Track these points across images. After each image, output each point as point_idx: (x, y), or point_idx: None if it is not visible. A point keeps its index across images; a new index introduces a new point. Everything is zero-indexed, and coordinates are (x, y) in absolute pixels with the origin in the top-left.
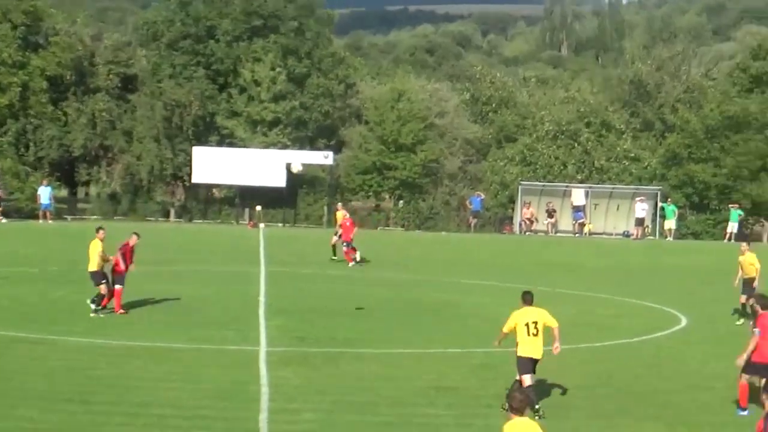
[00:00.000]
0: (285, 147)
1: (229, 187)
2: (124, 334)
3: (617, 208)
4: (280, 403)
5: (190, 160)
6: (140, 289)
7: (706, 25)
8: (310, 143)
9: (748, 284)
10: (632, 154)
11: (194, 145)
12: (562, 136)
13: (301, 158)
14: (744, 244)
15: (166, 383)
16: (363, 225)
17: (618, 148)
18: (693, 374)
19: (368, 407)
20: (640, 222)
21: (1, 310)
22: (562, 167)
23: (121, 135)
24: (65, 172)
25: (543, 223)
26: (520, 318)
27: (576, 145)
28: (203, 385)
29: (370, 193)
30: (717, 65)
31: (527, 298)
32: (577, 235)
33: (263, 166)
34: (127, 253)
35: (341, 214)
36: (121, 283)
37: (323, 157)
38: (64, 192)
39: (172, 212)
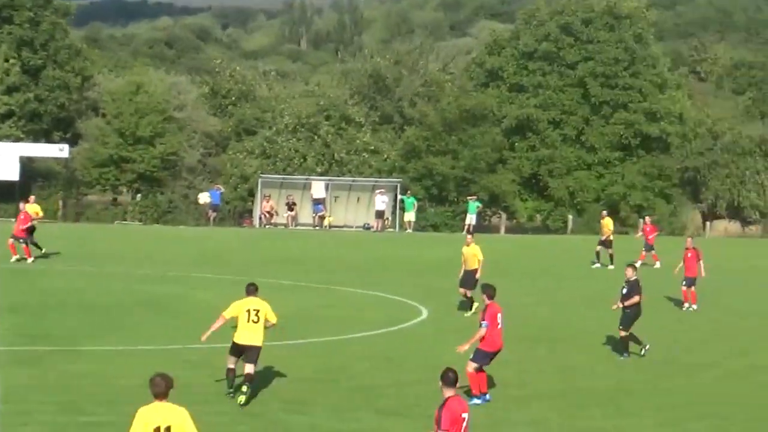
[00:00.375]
0: (18, 140)
1: None
2: None
3: (357, 201)
4: (12, 405)
5: None
6: None
7: (443, 20)
8: (46, 136)
9: (470, 276)
10: (372, 147)
11: None
12: (303, 129)
13: (35, 151)
14: (469, 236)
15: None
16: (100, 219)
17: (358, 141)
18: (432, 366)
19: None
20: (380, 214)
21: None
22: (302, 160)
23: None
24: None
25: (283, 216)
26: (242, 306)
27: (316, 138)
28: None
29: (107, 187)
30: (454, 60)
31: (251, 289)
32: (317, 227)
33: None
34: None
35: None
36: None
37: (58, 150)
38: None
39: None
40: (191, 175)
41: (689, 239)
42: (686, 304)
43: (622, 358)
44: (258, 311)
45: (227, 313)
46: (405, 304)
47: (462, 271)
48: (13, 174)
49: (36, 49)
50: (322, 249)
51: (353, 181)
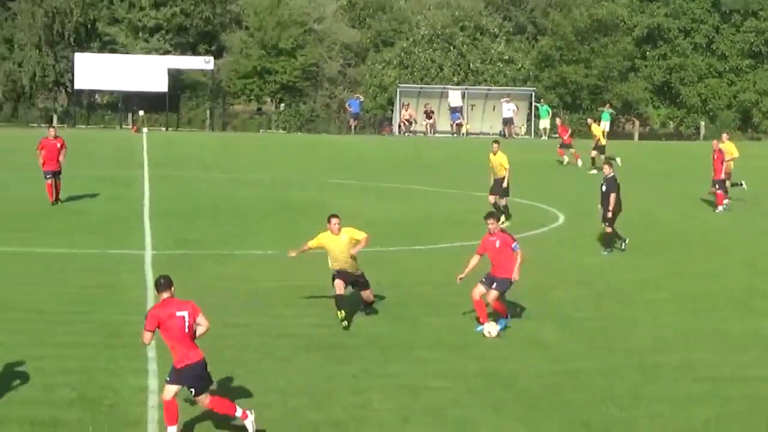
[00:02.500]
0: (167, 53)
1: (112, 92)
2: (5, 241)
3: (493, 109)
4: None
5: (72, 67)
6: (25, 194)
7: None
8: (192, 49)
9: (497, 184)
10: (506, 57)
11: (76, 51)
12: (438, 40)
13: (182, 63)
14: (495, 144)
15: (46, 287)
16: (246, 128)
17: (492, 51)
18: (571, 270)
19: (240, 308)
20: (507, 122)
21: None
22: (438, 70)
23: (2, 42)
24: None
25: (421, 124)
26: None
27: (452, 48)
28: (87, 290)
29: (252, 97)
30: None
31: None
32: (454, 135)
33: (145, 71)
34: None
35: None
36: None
37: (204, 62)
38: None
39: (55, 118)
40: (332, 85)
41: (714, 141)
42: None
43: (605, 253)
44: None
45: (312, 243)
46: (541, 209)
47: (491, 179)
48: (162, 85)
49: None
50: (459, 156)
51: (489, 90)
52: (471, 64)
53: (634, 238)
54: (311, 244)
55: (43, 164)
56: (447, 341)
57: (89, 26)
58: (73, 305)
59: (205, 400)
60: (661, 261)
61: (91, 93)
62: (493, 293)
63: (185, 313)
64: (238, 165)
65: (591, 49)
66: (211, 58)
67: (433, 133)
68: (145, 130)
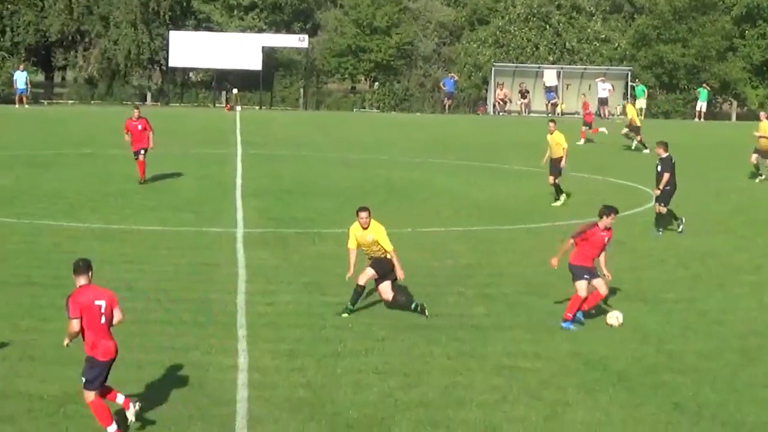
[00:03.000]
0: (261, 31)
1: (206, 70)
2: (93, 218)
3: (589, 88)
4: (258, 285)
5: (167, 45)
6: (116, 172)
7: None
8: (286, 27)
9: (555, 164)
10: (602, 36)
11: (171, 29)
12: (534, 19)
13: (276, 41)
14: (552, 123)
15: (137, 265)
16: (339, 107)
17: (588, 30)
18: (665, 249)
19: (340, 288)
20: (603, 102)
21: None
22: (534, 49)
23: (98, 20)
24: (42, 57)
25: (516, 104)
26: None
27: (547, 27)
28: (178, 267)
29: (346, 76)
30: None
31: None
32: (549, 114)
33: (239, 49)
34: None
35: None
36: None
37: (299, 41)
38: (40, 77)
39: (149, 96)
40: (426, 64)
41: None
42: None
43: (658, 234)
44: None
45: (350, 243)
46: (636, 189)
47: (545, 159)
48: (256, 64)
49: None
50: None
51: (584, 69)
52: (567, 43)
53: (733, 218)
54: (350, 245)
55: (132, 144)
56: (540, 322)
57: (184, 4)
58: (164, 283)
59: (89, 396)
60: (762, 243)
61: (185, 71)
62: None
63: (102, 303)
64: (332, 144)
65: (688, 28)
66: (306, 36)
67: (528, 113)
68: (238, 108)
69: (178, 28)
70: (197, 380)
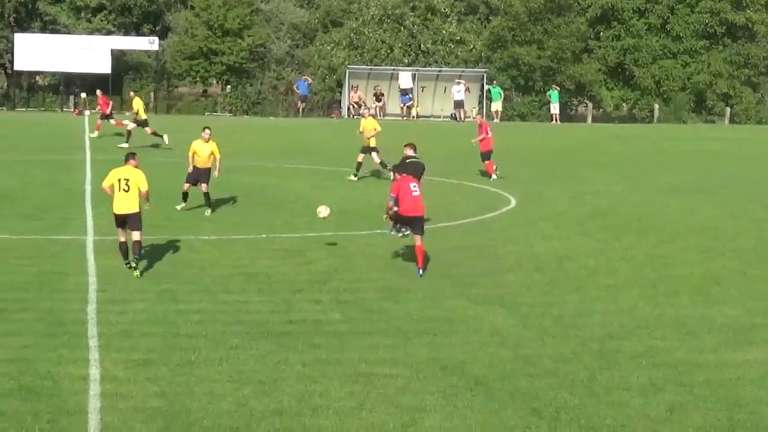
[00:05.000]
0: (110, 33)
1: (53, 74)
2: None
3: (444, 91)
4: (109, 294)
5: (12, 48)
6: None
7: None
8: (135, 29)
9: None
10: (458, 38)
11: (16, 32)
12: (388, 20)
13: (126, 44)
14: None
15: None
16: (191, 111)
17: (443, 32)
18: (524, 254)
19: (194, 295)
20: (459, 104)
21: None
22: (389, 51)
23: None
24: None
25: (371, 107)
26: (114, 175)
27: (402, 28)
28: (27, 277)
29: (198, 79)
30: None
31: (127, 157)
32: (404, 118)
33: (88, 52)
34: None
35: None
36: None
37: (149, 43)
38: None
39: None
40: (279, 67)
41: None
42: None
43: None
44: (128, 180)
45: (106, 182)
46: (493, 193)
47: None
48: (105, 67)
49: None
50: (409, 139)
51: (440, 71)
52: (422, 45)
53: (590, 222)
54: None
55: None
56: (398, 328)
57: (30, 6)
58: (11, 293)
59: None
60: (619, 246)
61: (32, 75)
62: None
63: None
64: (184, 149)
65: (544, 29)
66: (156, 39)
67: (383, 116)
68: (87, 112)
69: (23, 30)
70: (47, 392)
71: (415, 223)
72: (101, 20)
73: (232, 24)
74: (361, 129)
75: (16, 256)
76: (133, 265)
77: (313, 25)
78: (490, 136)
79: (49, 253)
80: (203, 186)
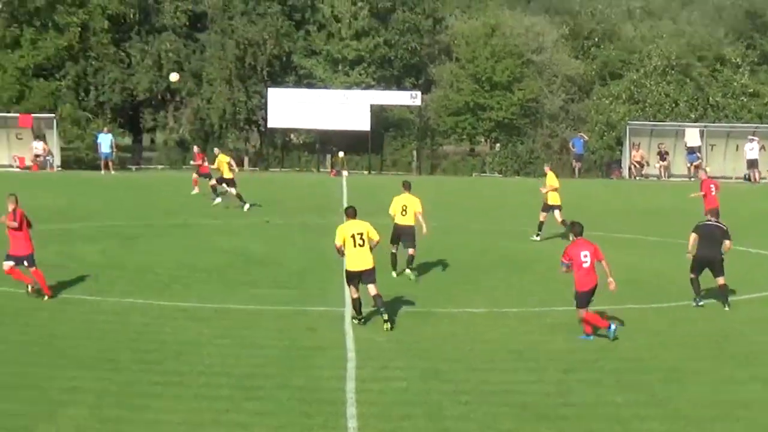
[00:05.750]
0: (369, 87)
1: (308, 131)
2: (185, 295)
3: (736, 149)
4: (368, 370)
5: (266, 104)
6: (208, 243)
7: None
8: (396, 83)
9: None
10: (751, 90)
11: (270, 86)
12: (673, 72)
13: (386, 99)
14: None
15: (234, 348)
16: (457, 171)
17: (735, 84)
18: None
19: (458, 373)
20: (752, 164)
21: (55, 268)
22: (673, 105)
23: (189, 77)
24: (129, 118)
25: (654, 167)
26: (346, 230)
27: (688, 80)
28: (280, 351)
29: (464, 136)
30: None
31: (350, 212)
32: (692, 179)
33: (345, 108)
34: None
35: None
36: None
37: (411, 98)
38: (127, 140)
39: (246, 160)
40: (553, 123)
41: None
42: None
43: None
44: (361, 234)
45: (338, 240)
46: None
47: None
48: (364, 123)
49: None
50: (697, 202)
51: (731, 127)
52: (710, 99)
53: None
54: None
55: None
56: (686, 415)
57: (284, 59)
58: (263, 368)
59: None
60: None
61: (286, 132)
62: None
63: None
64: (449, 212)
65: None
66: (418, 93)
67: (668, 177)
68: (344, 173)
69: (277, 84)
70: None
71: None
72: (360, 73)
73: (501, 77)
74: (543, 186)
75: (267, 328)
76: (385, 317)
77: (589, 78)
78: (714, 194)
79: (303, 325)
80: (410, 250)
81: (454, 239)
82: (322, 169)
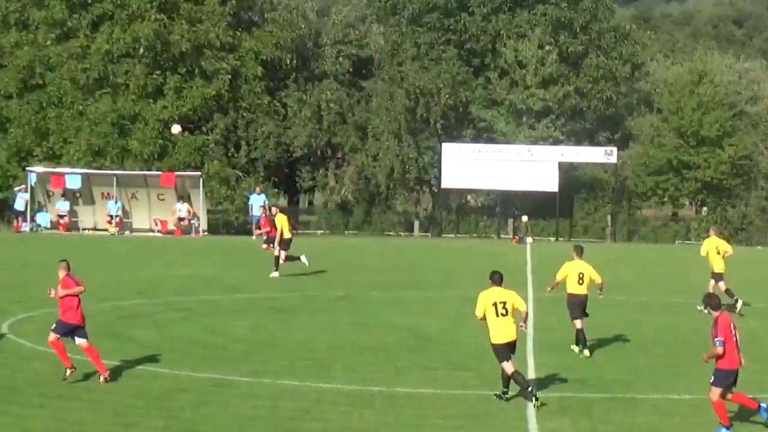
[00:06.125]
0: (557, 142)
1: (488, 192)
2: (348, 377)
3: None
4: None
5: (439, 161)
6: (374, 318)
7: None
8: (589, 137)
9: None
10: None
11: (444, 141)
12: None
13: (577, 155)
14: None
15: None
16: (657, 239)
17: None
18: None
19: None
20: None
21: (204, 347)
22: None
23: (353, 130)
24: (284, 177)
25: None
26: (488, 298)
27: None
28: None
29: (665, 199)
30: None
31: (495, 278)
32: None
33: (530, 166)
34: None
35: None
36: None
37: (605, 155)
38: (282, 201)
39: (417, 224)
40: None
41: None
42: None
43: None
44: (505, 302)
45: (477, 311)
46: None
47: None
48: (551, 184)
49: (575, 33)
50: None
51: None
52: None
53: None
54: None
55: None
56: None
57: (460, 110)
58: None
59: None
60: None
61: (462, 193)
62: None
63: None
64: (649, 286)
65: None
66: (614, 149)
67: None
68: (529, 240)
69: (452, 139)
70: None
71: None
72: (547, 126)
73: (710, 131)
74: (703, 252)
75: (442, 415)
76: (536, 395)
77: None
78: None
79: (481, 411)
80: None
81: (654, 317)
82: (503, 235)
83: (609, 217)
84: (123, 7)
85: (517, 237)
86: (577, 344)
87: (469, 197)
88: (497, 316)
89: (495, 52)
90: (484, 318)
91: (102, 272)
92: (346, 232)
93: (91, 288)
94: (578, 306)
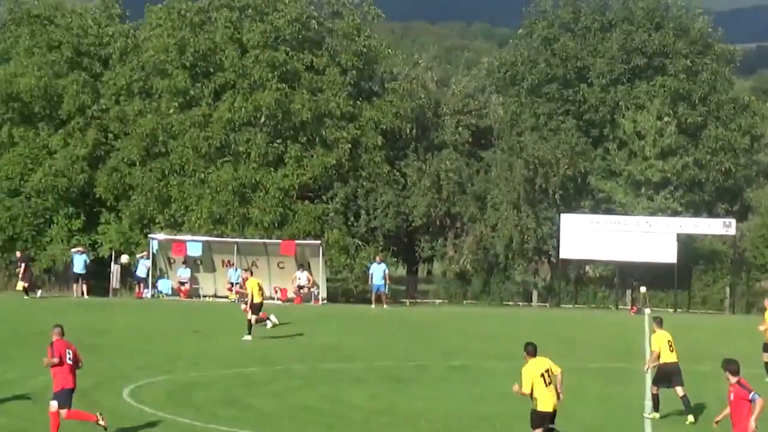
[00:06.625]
0: (675, 213)
1: (606, 263)
2: None
3: None
4: None
5: (558, 231)
6: (491, 388)
7: None
8: (707, 209)
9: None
10: None
11: (563, 212)
12: None
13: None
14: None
15: None
16: None
17: None
18: None
19: None
20: None
21: (324, 415)
22: None
23: (472, 200)
24: (403, 246)
25: None
26: (535, 371)
27: None
28: None
29: None
30: None
31: (530, 349)
32: None
33: (649, 237)
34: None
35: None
36: None
37: (724, 226)
38: (401, 270)
39: (535, 294)
40: None
41: None
42: None
43: None
44: (549, 370)
45: (524, 387)
46: None
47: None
48: (670, 255)
49: (694, 104)
50: None
51: None
52: None
53: None
54: None
55: None
56: None
57: (579, 180)
58: None
59: None
60: None
61: (581, 264)
62: None
63: None
64: None
65: None
66: (733, 221)
67: None
68: (647, 310)
69: (571, 210)
70: None
71: None
72: (665, 198)
73: None
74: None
75: None
76: None
77: None
78: None
79: None
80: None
81: None
82: (621, 306)
83: (727, 289)
84: (245, 76)
85: (635, 308)
86: (687, 413)
87: (587, 268)
88: (546, 385)
89: (613, 123)
90: (531, 392)
91: (223, 339)
92: (464, 301)
93: (213, 354)
94: (677, 373)
